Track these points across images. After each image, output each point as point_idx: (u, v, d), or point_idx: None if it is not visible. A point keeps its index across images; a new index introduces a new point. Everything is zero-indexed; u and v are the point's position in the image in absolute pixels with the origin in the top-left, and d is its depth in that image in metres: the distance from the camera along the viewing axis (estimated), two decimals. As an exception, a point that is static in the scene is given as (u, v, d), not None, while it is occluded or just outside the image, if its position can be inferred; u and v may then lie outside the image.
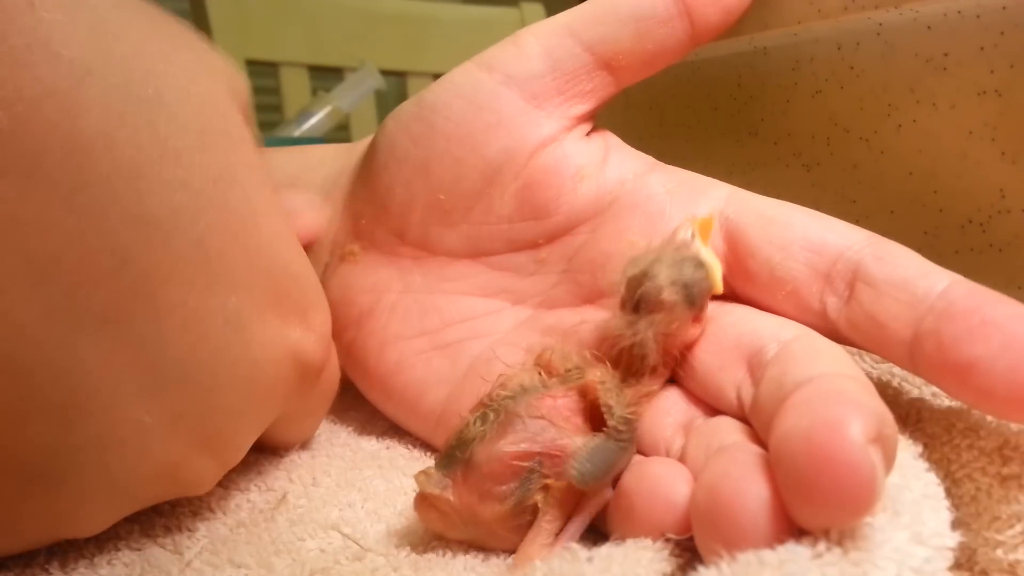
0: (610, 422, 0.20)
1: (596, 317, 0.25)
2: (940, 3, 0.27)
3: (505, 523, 0.20)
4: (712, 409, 0.22)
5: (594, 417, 0.20)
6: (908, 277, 0.20)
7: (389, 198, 0.27)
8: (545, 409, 0.20)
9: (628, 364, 0.22)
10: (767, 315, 0.22)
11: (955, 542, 0.16)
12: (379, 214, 0.27)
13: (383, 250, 0.28)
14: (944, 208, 0.29)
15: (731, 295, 0.24)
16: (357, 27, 1.09)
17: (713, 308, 0.23)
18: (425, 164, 0.26)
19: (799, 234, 0.23)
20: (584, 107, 0.26)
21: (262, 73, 1.06)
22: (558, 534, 0.20)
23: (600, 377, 0.20)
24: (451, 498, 0.20)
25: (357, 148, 0.30)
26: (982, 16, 0.26)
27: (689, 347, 0.22)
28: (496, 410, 0.20)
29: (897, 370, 0.23)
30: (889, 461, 0.16)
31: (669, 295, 0.21)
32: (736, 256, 0.24)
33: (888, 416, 0.16)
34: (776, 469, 0.16)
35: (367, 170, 0.28)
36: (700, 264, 0.22)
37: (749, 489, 0.16)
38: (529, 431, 0.20)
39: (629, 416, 0.20)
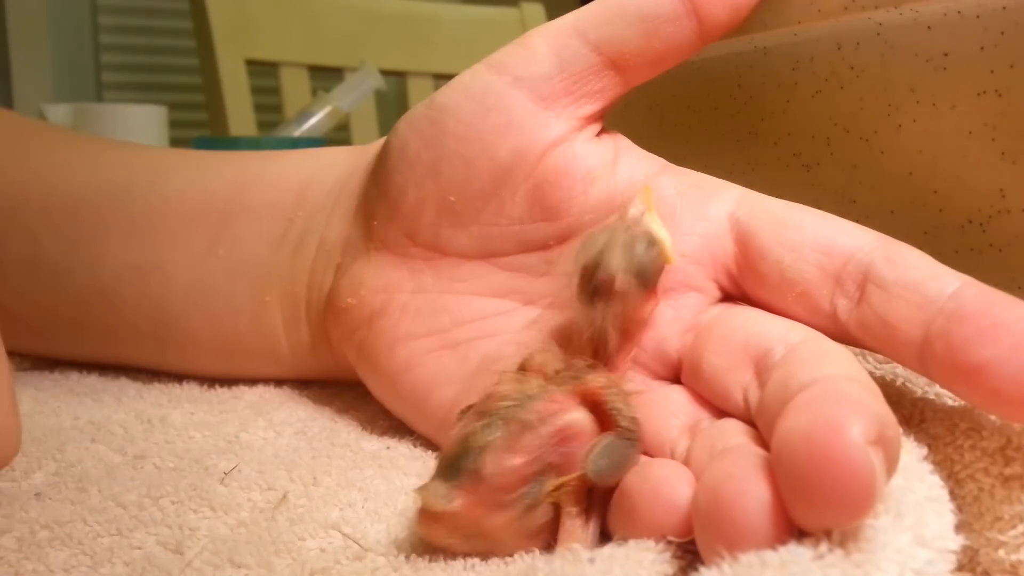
0: (621, 423, 0.20)
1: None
2: (940, 3, 0.27)
3: (512, 529, 0.19)
4: (719, 411, 0.22)
5: (595, 421, 0.20)
6: (919, 279, 0.20)
7: (400, 199, 0.27)
8: (552, 415, 0.20)
9: (592, 352, 0.22)
10: (775, 317, 0.22)
11: (958, 545, 0.16)
12: (391, 215, 0.28)
13: (395, 251, 0.28)
14: (944, 208, 0.29)
15: (741, 296, 0.24)
16: (357, 27, 1.09)
17: (721, 311, 0.24)
18: (436, 165, 0.26)
19: (810, 236, 0.23)
20: (593, 107, 0.26)
21: (262, 73, 1.07)
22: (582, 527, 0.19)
23: (603, 383, 0.20)
24: (459, 511, 0.19)
25: (369, 150, 0.30)
26: (982, 16, 0.26)
27: (646, 323, 0.22)
28: (504, 418, 0.20)
29: (900, 370, 0.23)
30: (891, 463, 0.16)
31: (622, 283, 0.21)
32: (747, 258, 0.24)
33: (890, 418, 0.16)
34: (776, 469, 0.16)
35: (379, 171, 0.28)
36: (652, 241, 0.21)
37: (750, 490, 0.16)
38: (540, 438, 0.19)
39: (637, 416, 0.20)
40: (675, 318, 0.24)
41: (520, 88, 0.26)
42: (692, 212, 0.25)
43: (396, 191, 0.27)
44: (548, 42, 0.26)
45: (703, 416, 0.22)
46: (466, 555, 0.20)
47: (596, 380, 0.20)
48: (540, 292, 0.26)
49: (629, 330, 0.22)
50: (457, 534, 0.19)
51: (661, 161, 0.27)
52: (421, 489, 0.19)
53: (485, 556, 0.20)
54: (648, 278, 0.21)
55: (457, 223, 0.27)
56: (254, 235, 0.32)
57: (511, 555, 0.20)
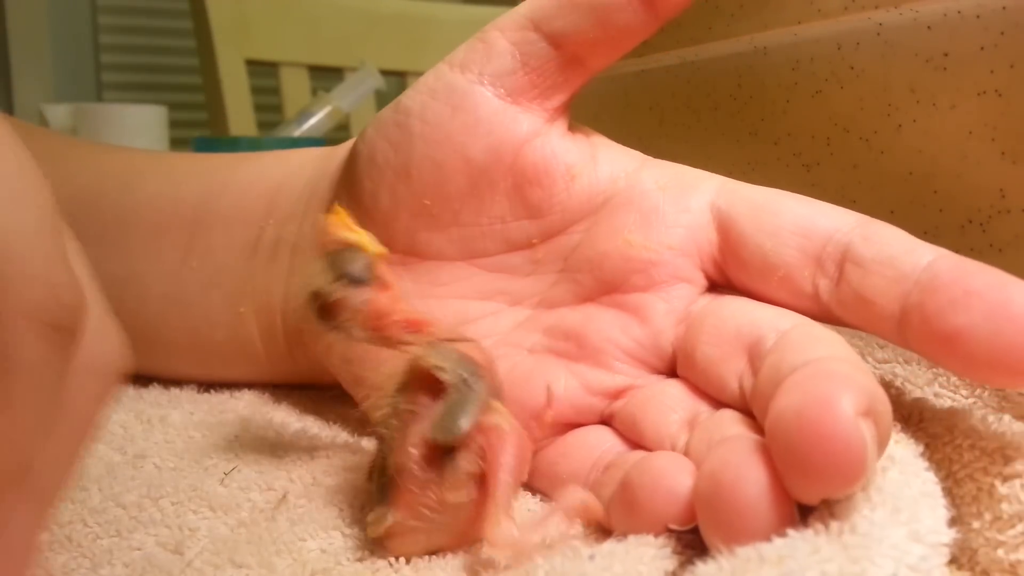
0: (449, 378, 0.21)
1: (601, 315, 0.25)
2: (940, 3, 0.27)
3: (459, 492, 0.20)
4: (716, 402, 0.22)
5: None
6: (894, 254, 0.21)
7: (373, 206, 0.27)
8: (421, 389, 0.21)
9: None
10: (765, 306, 0.23)
11: (950, 538, 0.16)
12: (363, 222, 0.27)
13: None
14: (944, 208, 0.29)
15: (726, 284, 0.24)
16: (357, 27, 1.09)
17: (711, 301, 0.24)
18: (406, 170, 0.26)
19: (789, 219, 0.23)
20: (560, 97, 0.26)
21: (262, 73, 1.07)
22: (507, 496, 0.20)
23: (419, 354, 0.21)
24: (398, 517, 0.20)
25: (337, 153, 0.30)
26: (982, 16, 0.26)
27: (398, 319, 0.23)
28: (386, 426, 0.21)
29: (899, 370, 0.23)
30: (882, 437, 0.17)
31: (337, 293, 0.21)
32: (729, 245, 0.24)
33: (880, 394, 0.17)
34: (771, 446, 0.17)
35: (349, 178, 0.28)
36: (348, 246, 0.22)
37: (748, 475, 0.17)
38: (422, 414, 0.20)
39: (462, 365, 0.21)
40: (668, 311, 0.24)
41: (485, 85, 0.25)
42: (674, 205, 0.25)
43: (368, 198, 0.27)
44: (507, 36, 0.25)
45: (701, 409, 0.22)
46: (445, 544, 0.20)
47: (413, 354, 0.21)
48: (527, 292, 0.26)
49: (385, 328, 0.22)
50: (419, 534, 0.20)
51: (639, 155, 0.26)
52: (368, 526, 0.20)
53: (459, 532, 0.20)
54: (361, 274, 0.22)
55: (434, 226, 0.26)
56: (225, 245, 0.31)
57: (475, 516, 0.20)
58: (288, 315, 0.30)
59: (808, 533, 0.16)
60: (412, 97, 0.26)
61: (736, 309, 0.23)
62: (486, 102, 0.25)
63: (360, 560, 0.20)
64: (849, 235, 0.22)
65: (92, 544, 0.21)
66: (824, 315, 0.22)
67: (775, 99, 0.32)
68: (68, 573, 0.20)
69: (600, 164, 0.26)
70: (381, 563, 0.20)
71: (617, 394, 0.24)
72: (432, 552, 0.20)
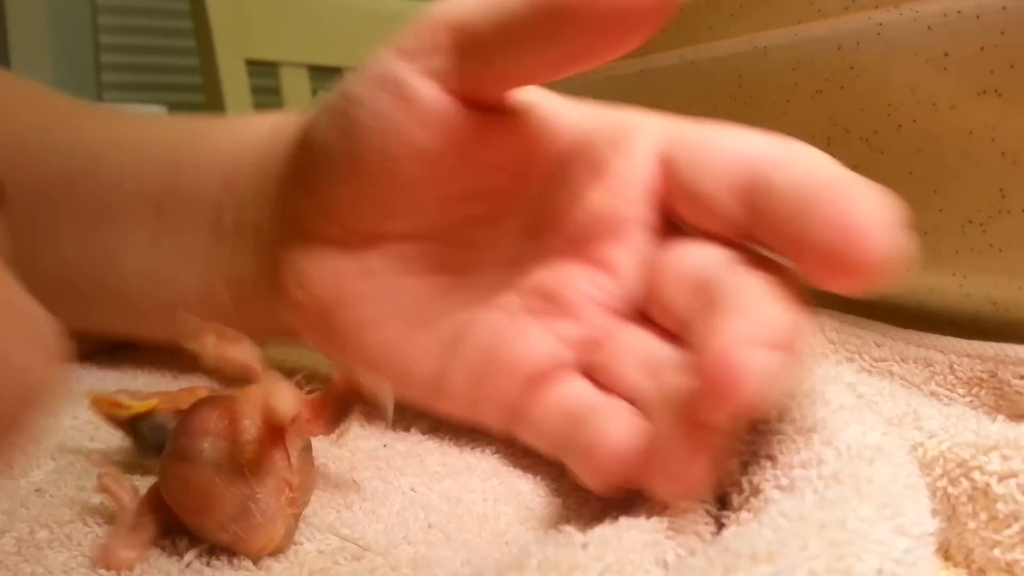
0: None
1: (570, 271, 0.26)
2: (940, 3, 0.27)
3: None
4: (684, 343, 0.23)
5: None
6: (799, 178, 0.21)
7: (331, 197, 0.26)
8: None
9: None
10: (720, 247, 0.23)
11: (935, 527, 0.17)
12: (323, 210, 0.27)
13: (335, 242, 0.27)
14: (944, 208, 0.29)
15: (678, 224, 0.25)
16: (357, 27, 1.09)
17: (671, 244, 0.25)
18: (360, 160, 0.25)
19: (716, 152, 0.24)
20: (507, 95, 0.25)
21: (262, 73, 1.07)
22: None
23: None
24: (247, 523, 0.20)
25: (285, 131, 0.29)
26: (982, 16, 0.26)
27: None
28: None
29: (896, 368, 0.23)
30: (791, 366, 0.18)
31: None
32: (671, 181, 0.25)
33: (788, 327, 0.19)
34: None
35: (302, 166, 0.27)
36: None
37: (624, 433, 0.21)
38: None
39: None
40: (632, 259, 0.25)
41: (432, 77, 0.24)
42: (624, 156, 0.26)
43: (322, 187, 0.26)
44: (453, 35, 0.24)
45: (666, 353, 0.23)
46: (465, 542, 0.20)
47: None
48: (496, 260, 0.27)
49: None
50: (269, 526, 0.20)
51: (584, 110, 0.27)
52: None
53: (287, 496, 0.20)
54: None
55: (397, 212, 0.26)
56: (190, 223, 0.31)
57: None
58: (260, 287, 0.30)
59: (798, 527, 0.16)
60: (360, 85, 0.25)
61: (694, 250, 0.24)
62: (436, 95, 0.25)
63: (358, 559, 0.20)
64: (767, 162, 0.23)
65: (92, 543, 0.21)
66: (755, 243, 0.23)
67: (775, 99, 0.32)
68: (67, 572, 0.20)
69: (551, 129, 0.26)
70: (379, 560, 0.20)
71: (593, 345, 0.25)
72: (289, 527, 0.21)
